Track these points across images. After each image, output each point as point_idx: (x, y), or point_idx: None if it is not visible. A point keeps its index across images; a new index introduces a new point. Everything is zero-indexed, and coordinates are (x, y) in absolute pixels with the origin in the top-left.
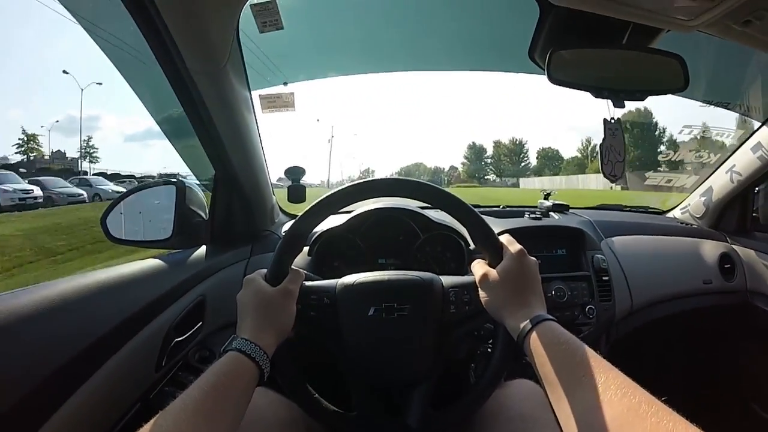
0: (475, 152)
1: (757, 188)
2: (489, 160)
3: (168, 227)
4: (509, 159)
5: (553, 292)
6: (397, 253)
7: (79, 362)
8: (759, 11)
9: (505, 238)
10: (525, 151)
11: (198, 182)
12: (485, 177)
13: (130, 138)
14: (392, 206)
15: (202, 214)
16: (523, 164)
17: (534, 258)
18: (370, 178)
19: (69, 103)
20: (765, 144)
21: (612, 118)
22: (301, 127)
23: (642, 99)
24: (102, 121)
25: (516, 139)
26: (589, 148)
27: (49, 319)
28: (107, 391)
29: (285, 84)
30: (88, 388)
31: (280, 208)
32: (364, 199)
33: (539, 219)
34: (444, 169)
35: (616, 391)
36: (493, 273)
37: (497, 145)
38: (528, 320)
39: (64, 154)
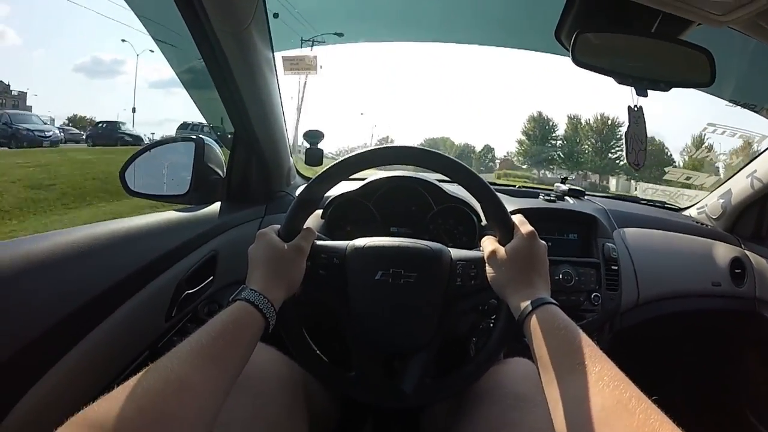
0: (540, 127)
1: None
2: (559, 143)
3: (185, 183)
4: (591, 145)
5: (561, 276)
6: (409, 223)
7: (90, 308)
8: None
9: (517, 218)
10: (618, 136)
11: (216, 139)
12: (549, 166)
13: (154, 84)
14: (408, 175)
15: (220, 172)
16: (612, 155)
17: (544, 241)
18: (387, 145)
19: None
20: None
21: (636, 106)
22: (329, 96)
23: (666, 90)
24: (126, 65)
25: (605, 117)
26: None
27: (63, 264)
28: (117, 338)
29: (311, 44)
30: (98, 333)
31: (297, 170)
32: (380, 165)
33: (554, 201)
34: (474, 148)
35: (609, 382)
36: (502, 251)
37: (572, 123)
38: (530, 301)
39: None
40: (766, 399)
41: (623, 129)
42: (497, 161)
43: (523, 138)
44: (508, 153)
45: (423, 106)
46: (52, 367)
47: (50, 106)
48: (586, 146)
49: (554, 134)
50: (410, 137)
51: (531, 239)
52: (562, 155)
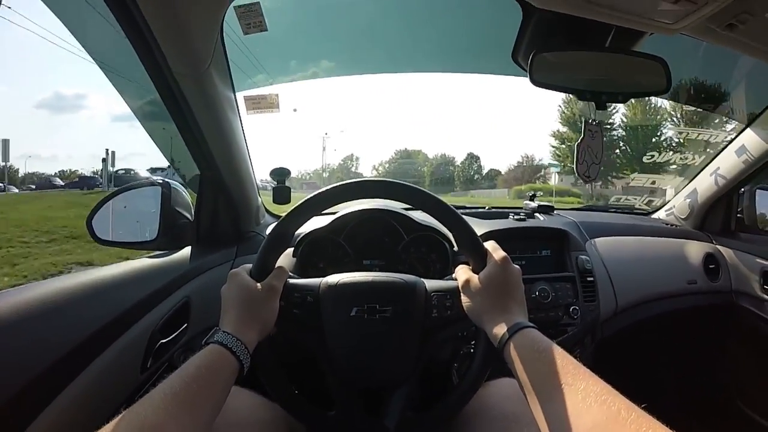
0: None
1: (742, 189)
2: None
3: (153, 228)
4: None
5: (537, 293)
6: (382, 255)
7: (64, 365)
8: (742, 15)
9: (489, 245)
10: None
11: (184, 183)
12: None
13: (117, 118)
14: (376, 207)
15: (188, 216)
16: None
17: (518, 266)
18: (354, 180)
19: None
20: (749, 147)
21: (593, 120)
22: (283, 123)
23: (624, 101)
24: (88, 99)
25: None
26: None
27: (32, 322)
28: (92, 393)
29: (270, 83)
30: (73, 390)
31: (265, 209)
32: (348, 201)
33: (524, 220)
34: (454, 158)
35: (596, 398)
36: (476, 279)
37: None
38: (507, 328)
39: None
40: (755, 386)
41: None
42: (485, 171)
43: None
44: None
45: (387, 130)
46: (27, 427)
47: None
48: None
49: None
50: (379, 154)
51: (504, 265)
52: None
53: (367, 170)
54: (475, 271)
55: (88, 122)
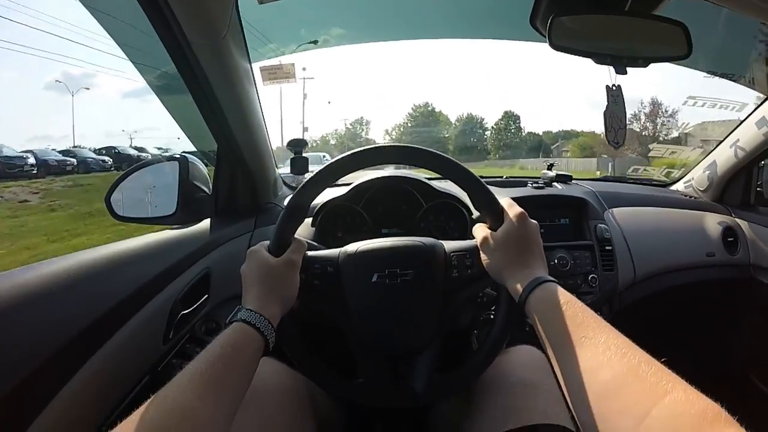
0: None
1: (762, 162)
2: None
3: (172, 203)
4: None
5: (556, 261)
6: (400, 223)
7: (87, 336)
8: None
9: (505, 202)
10: (515, 127)
11: (201, 157)
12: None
13: (128, 94)
14: (395, 175)
15: (206, 189)
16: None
17: (534, 221)
18: (370, 146)
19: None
20: None
21: (614, 85)
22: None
23: (645, 65)
24: (97, 78)
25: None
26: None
27: (56, 295)
28: (116, 364)
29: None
30: (97, 361)
31: (283, 180)
32: (364, 168)
33: (542, 188)
34: (482, 120)
35: (616, 351)
36: (494, 235)
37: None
38: (528, 281)
39: None
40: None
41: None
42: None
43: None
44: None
45: (403, 97)
46: (53, 398)
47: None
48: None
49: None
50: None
51: (521, 220)
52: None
53: (378, 136)
54: (493, 228)
55: (99, 99)
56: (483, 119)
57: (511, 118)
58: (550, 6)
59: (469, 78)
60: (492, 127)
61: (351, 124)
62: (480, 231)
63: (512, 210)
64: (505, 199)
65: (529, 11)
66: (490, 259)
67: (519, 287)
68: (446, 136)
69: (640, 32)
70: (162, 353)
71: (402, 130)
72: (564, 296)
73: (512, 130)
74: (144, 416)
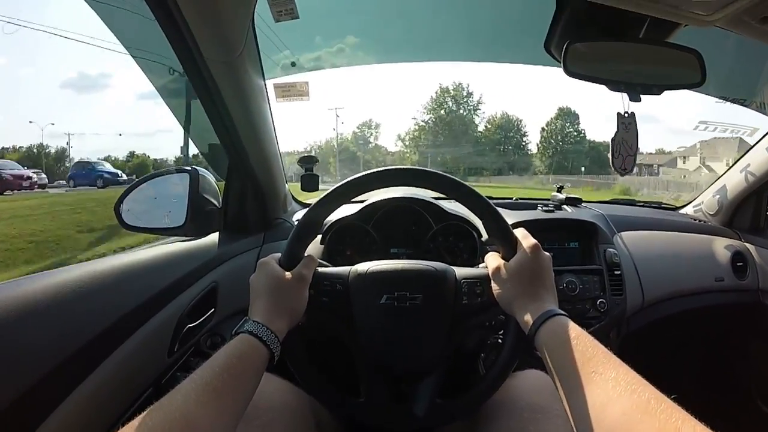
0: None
1: None
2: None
3: (181, 215)
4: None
5: (565, 285)
6: (409, 243)
7: (92, 348)
8: None
9: (519, 232)
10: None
11: (211, 171)
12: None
13: (143, 96)
14: (405, 196)
15: (215, 203)
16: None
17: (548, 253)
18: (383, 168)
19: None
20: None
21: (626, 112)
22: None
23: (659, 93)
24: (113, 78)
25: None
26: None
27: (63, 305)
28: (120, 376)
29: (293, 65)
30: (102, 372)
31: (292, 196)
32: (377, 189)
33: (552, 211)
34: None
35: (626, 387)
36: (507, 266)
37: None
38: (539, 314)
39: None
40: None
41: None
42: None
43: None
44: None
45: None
46: (55, 409)
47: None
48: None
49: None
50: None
51: (535, 252)
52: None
53: (389, 141)
54: (505, 258)
55: (114, 99)
56: (521, 121)
57: (569, 117)
58: (565, 32)
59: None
60: (543, 129)
61: (359, 128)
62: (492, 260)
63: (526, 241)
64: (519, 229)
65: (544, 37)
66: (501, 290)
67: (529, 319)
68: (476, 144)
69: (655, 59)
70: (166, 366)
71: (419, 134)
72: (574, 330)
73: (572, 135)
74: (146, 421)
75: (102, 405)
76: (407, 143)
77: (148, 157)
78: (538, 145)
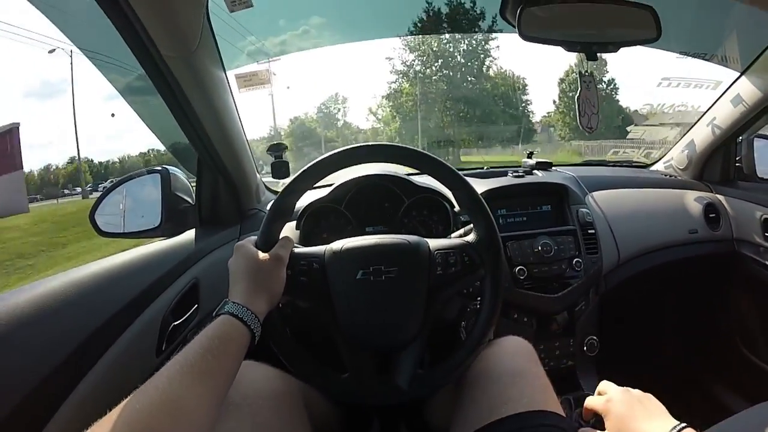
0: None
1: (739, 138)
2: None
3: (156, 216)
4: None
5: (540, 248)
6: (383, 220)
7: (80, 355)
8: None
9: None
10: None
11: (182, 168)
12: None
13: (109, 97)
14: (375, 173)
15: (189, 200)
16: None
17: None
18: (350, 146)
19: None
20: (744, 95)
21: (586, 71)
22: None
23: (615, 50)
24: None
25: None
26: None
27: (45, 316)
28: (111, 379)
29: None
30: (91, 379)
31: (265, 186)
32: (347, 166)
33: (522, 177)
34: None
35: None
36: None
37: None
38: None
39: None
40: (756, 332)
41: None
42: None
43: None
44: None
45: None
46: (49, 421)
47: None
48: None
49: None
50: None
51: (625, 394)
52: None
53: (359, 117)
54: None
55: (79, 104)
56: (524, 79)
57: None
58: None
59: None
60: (561, 80)
61: (324, 104)
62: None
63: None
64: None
65: (499, 4)
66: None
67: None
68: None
69: (610, 18)
70: (156, 366)
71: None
72: None
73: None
74: (132, 404)
75: (96, 409)
76: (380, 117)
77: (92, 161)
78: (555, 102)
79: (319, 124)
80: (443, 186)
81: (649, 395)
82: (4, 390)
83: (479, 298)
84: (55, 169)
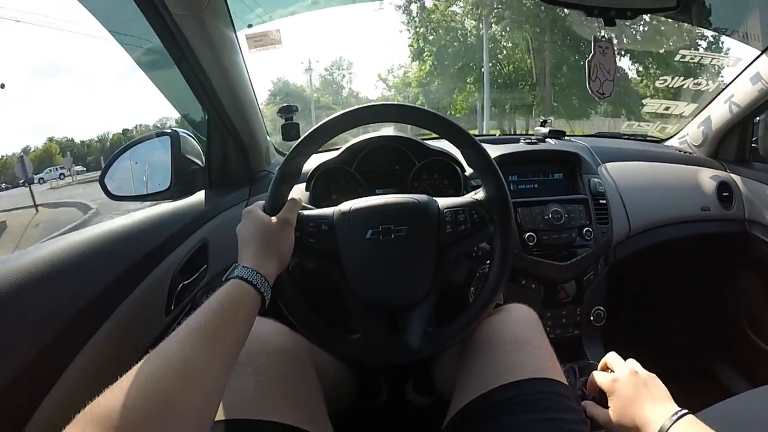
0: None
1: (757, 118)
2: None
3: (166, 178)
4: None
5: (551, 215)
6: (394, 183)
7: (88, 313)
8: None
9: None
10: None
11: (192, 130)
12: None
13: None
14: (387, 135)
15: (199, 162)
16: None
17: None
18: (358, 106)
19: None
20: (764, 74)
21: (603, 36)
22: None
23: (633, 17)
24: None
25: None
26: None
27: (55, 276)
28: (120, 338)
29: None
30: (100, 337)
31: (275, 148)
32: (354, 127)
33: (535, 144)
34: None
35: None
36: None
37: None
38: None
39: None
40: (762, 315)
41: None
42: None
43: None
44: None
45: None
46: (58, 379)
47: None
48: None
49: None
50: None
51: (631, 376)
52: None
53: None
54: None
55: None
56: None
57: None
58: None
59: None
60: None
61: (327, 69)
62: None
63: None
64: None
65: None
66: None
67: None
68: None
69: None
70: (165, 325)
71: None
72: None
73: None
74: (143, 368)
75: (105, 369)
76: (391, 84)
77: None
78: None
79: (324, 94)
80: (456, 150)
81: (655, 377)
82: (12, 350)
83: (488, 262)
84: None
